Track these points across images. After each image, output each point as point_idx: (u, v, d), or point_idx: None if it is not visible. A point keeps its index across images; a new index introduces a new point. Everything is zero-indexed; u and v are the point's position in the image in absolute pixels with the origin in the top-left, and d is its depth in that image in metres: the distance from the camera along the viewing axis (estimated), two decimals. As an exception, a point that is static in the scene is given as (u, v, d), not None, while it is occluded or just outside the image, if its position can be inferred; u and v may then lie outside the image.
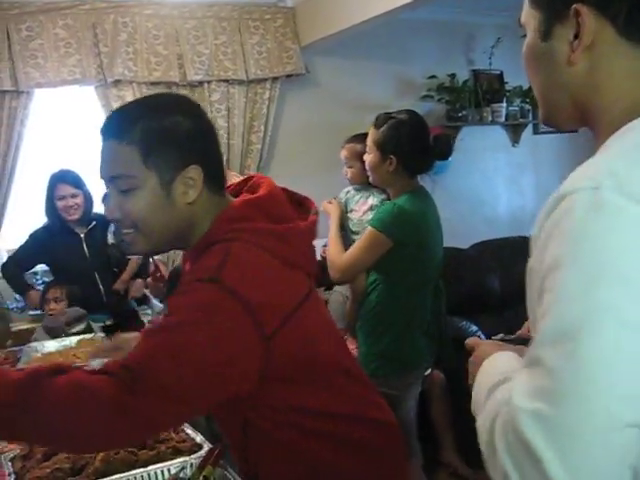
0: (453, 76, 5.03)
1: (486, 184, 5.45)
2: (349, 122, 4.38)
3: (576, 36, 1.00)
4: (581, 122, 1.07)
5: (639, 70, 0.99)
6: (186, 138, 1.39)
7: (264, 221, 1.41)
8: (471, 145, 5.23)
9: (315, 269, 1.53)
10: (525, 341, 1.23)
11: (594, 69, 1.00)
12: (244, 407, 1.42)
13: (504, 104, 5.13)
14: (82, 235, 3.80)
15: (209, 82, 4.25)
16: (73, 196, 3.74)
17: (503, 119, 5.17)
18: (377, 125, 2.81)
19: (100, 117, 4.06)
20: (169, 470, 1.63)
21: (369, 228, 2.72)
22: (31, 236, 3.81)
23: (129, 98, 4.04)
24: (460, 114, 5.01)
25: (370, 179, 2.90)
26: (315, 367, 1.43)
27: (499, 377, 0.99)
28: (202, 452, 1.66)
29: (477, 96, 5.09)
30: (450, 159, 4.67)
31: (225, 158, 4.33)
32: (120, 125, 1.39)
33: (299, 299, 1.39)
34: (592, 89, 1.01)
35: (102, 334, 3.15)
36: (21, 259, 3.81)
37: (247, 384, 1.34)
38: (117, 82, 4.00)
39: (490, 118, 5.12)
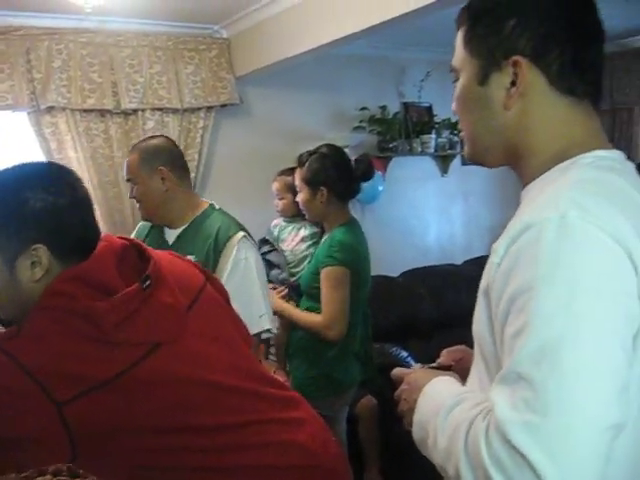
0: (384, 108, 5.16)
1: (416, 213, 5.58)
2: (283, 152, 4.46)
3: (513, 83, 1.11)
4: (506, 161, 1.19)
5: (566, 117, 1.11)
6: (31, 216, 1.37)
7: (83, 294, 1.35)
8: (401, 175, 5.37)
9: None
10: (447, 369, 1.32)
11: (526, 114, 1.12)
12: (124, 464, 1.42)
13: (433, 135, 5.29)
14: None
15: (143, 110, 4.26)
16: None
17: (432, 150, 5.33)
18: (301, 163, 3.00)
19: (33, 143, 4.04)
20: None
21: (325, 270, 2.79)
22: None
23: (62, 125, 4.03)
24: (391, 145, 5.14)
25: (307, 217, 3.04)
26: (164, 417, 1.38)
27: (453, 399, 1.06)
28: None
29: (407, 128, 5.23)
30: (380, 188, 4.81)
31: (159, 186, 4.32)
32: None
33: (111, 374, 1.32)
34: (524, 132, 1.12)
35: None
36: None
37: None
38: (50, 109, 3.97)
39: (420, 149, 5.27)
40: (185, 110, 4.39)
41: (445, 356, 1.40)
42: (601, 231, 0.93)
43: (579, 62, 1.11)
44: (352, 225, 2.96)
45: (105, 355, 1.33)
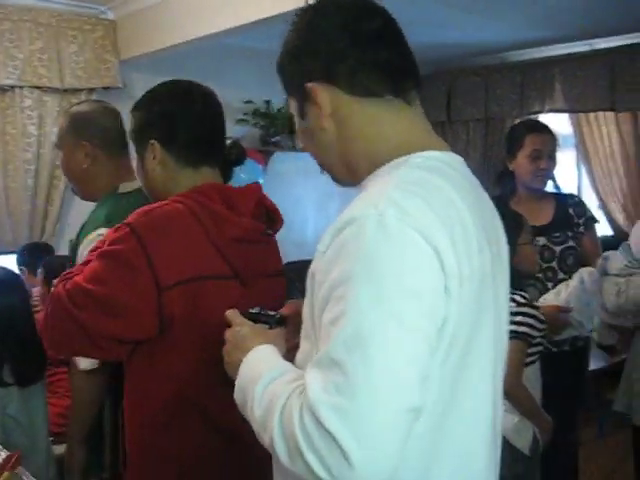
0: (269, 102, 5.21)
1: (295, 208, 5.67)
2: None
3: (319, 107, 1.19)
4: (349, 175, 1.26)
5: (377, 117, 1.20)
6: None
7: (220, 200, 1.64)
8: (283, 170, 5.44)
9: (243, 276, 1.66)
10: (282, 321, 1.39)
11: (341, 129, 1.20)
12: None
13: (315, 132, 5.37)
14: None
15: (21, 87, 4.13)
16: None
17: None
18: None
19: None
20: (-37, 478, 1.62)
21: None
22: None
23: None
24: (274, 139, 5.20)
25: None
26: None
27: (272, 372, 1.13)
28: (-1, 460, 1.67)
29: (291, 123, 5.29)
30: (261, 181, 4.86)
31: (34, 167, 4.21)
32: None
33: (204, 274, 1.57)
34: (345, 146, 1.21)
35: None
36: None
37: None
38: None
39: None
40: (65, 90, 4.29)
41: (287, 307, 1.46)
42: (413, 230, 1.00)
43: (366, 64, 1.18)
44: None
45: (211, 256, 1.59)
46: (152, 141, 1.73)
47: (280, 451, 1.01)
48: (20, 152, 4.15)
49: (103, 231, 1.93)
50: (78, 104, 2.40)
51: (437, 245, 1.01)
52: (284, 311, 1.44)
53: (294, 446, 0.98)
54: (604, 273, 3.04)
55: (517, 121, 4.90)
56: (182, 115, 1.74)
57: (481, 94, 5.65)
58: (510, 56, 5.60)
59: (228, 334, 1.31)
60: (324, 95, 1.19)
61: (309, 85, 1.19)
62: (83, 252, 1.93)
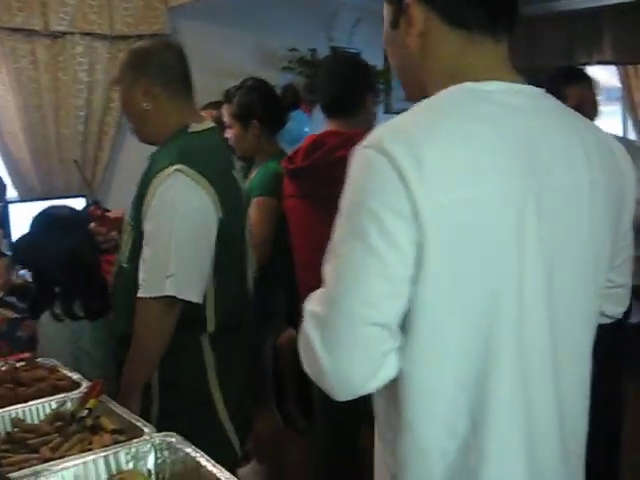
0: (314, 51, 5.19)
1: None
2: (210, 86, 4.39)
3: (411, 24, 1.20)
4: (421, 94, 1.25)
5: (455, 49, 1.19)
6: None
7: None
8: (326, 119, 5.43)
9: None
10: None
11: (425, 51, 1.21)
12: None
13: (359, 82, 5.36)
14: None
15: (72, 34, 4.15)
16: None
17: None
18: (228, 99, 3.02)
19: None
20: (50, 405, 1.70)
21: (256, 199, 2.81)
22: None
23: (-14, 42, 3.90)
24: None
25: (237, 152, 3.03)
26: None
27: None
28: (82, 388, 1.74)
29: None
30: (307, 129, 4.87)
31: (84, 114, 4.26)
32: None
33: None
34: (425, 68, 1.22)
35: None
36: None
37: None
38: (-26, 25, 3.84)
39: (346, 94, 5.33)
40: (115, 37, 4.31)
41: None
42: (382, 155, 1.05)
43: None
44: (284, 156, 3.01)
45: None
46: None
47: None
48: (71, 98, 4.19)
49: (179, 167, 1.91)
50: (144, 40, 2.31)
51: (403, 170, 1.03)
52: None
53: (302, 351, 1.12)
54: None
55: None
56: None
57: (525, 45, 5.57)
58: (556, 6, 5.50)
59: None
60: (419, 14, 1.19)
61: (408, 1, 1.19)
62: (157, 188, 1.93)
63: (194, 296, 1.93)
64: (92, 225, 2.62)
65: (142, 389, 1.98)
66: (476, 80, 1.15)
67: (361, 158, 1.09)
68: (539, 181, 1.11)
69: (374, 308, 1.05)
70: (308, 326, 1.09)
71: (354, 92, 2.61)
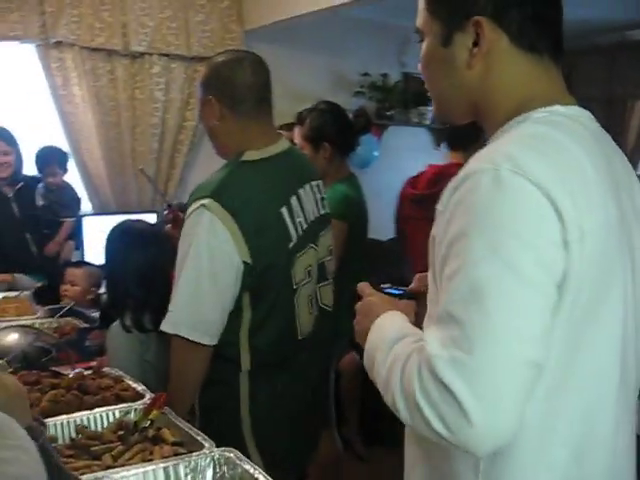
0: (385, 76, 5.21)
1: (405, 183, 5.66)
2: (283, 109, 4.46)
3: (475, 43, 1.13)
4: (471, 118, 1.25)
5: (527, 73, 1.15)
6: None
7: None
8: (395, 144, 5.44)
9: None
10: (412, 295, 1.38)
11: (489, 73, 1.14)
12: None
13: (430, 108, 5.35)
14: (10, 195, 3.74)
15: (150, 54, 4.29)
16: (5, 154, 3.67)
17: (429, 122, 5.40)
18: (301, 121, 3.03)
19: (39, 77, 4.04)
20: (114, 414, 1.73)
21: None
22: None
23: (69, 61, 4.05)
24: (389, 113, 5.20)
25: None
26: None
27: (396, 333, 1.13)
28: (146, 399, 1.77)
29: (406, 98, 5.29)
30: (376, 154, 4.89)
31: (159, 131, 4.37)
32: None
33: None
34: (487, 90, 1.16)
35: (27, 293, 3.17)
36: None
37: None
38: (59, 44, 3.99)
39: (416, 120, 5.34)
40: (192, 58, 4.42)
41: (416, 281, 1.44)
42: (529, 183, 0.98)
43: (539, 18, 1.13)
44: (354, 179, 3.04)
45: None
46: None
47: (401, 408, 1.01)
48: (147, 116, 4.32)
49: (207, 202, 1.80)
50: (220, 53, 2.09)
51: (554, 197, 0.98)
52: (414, 285, 1.43)
53: (412, 402, 0.98)
54: None
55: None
56: None
57: (603, 74, 5.48)
58: (635, 34, 5.39)
59: (358, 305, 1.31)
60: (489, 34, 1.12)
61: (478, 18, 1.12)
62: (186, 220, 1.86)
63: (194, 335, 1.83)
64: (167, 227, 2.65)
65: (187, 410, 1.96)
66: (550, 105, 1.12)
67: (497, 183, 0.99)
68: (624, 204, 1.12)
69: (535, 345, 0.96)
70: (445, 374, 0.94)
71: (475, 124, 2.61)
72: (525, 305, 0.96)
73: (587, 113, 1.18)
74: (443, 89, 1.22)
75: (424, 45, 1.22)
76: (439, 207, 1.09)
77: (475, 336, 0.94)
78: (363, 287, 1.35)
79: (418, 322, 1.26)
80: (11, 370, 0.89)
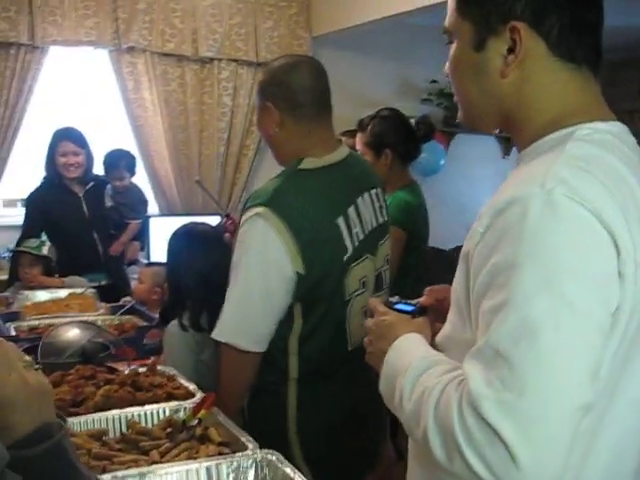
0: (454, 83, 5.16)
1: (471, 191, 5.59)
2: (348, 115, 4.49)
3: (510, 50, 1.05)
4: (500, 127, 1.17)
5: (565, 84, 1.06)
6: None
7: None
8: (463, 152, 5.38)
9: None
10: (424, 311, 1.28)
11: (525, 82, 1.06)
12: None
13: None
14: (81, 195, 3.81)
15: (219, 60, 4.37)
16: (75, 154, 3.73)
17: (497, 130, 5.31)
18: (362, 128, 3.02)
19: (110, 81, 4.16)
20: (164, 411, 1.75)
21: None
22: (27, 206, 3.77)
23: (140, 66, 4.16)
24: (457, 121, 5.14)
25: None
26: None
27: (422, 361, 1.05)
28: (196, 398, 1.79)
29: (474, 106, 5.23)
30: (442, 162, 4.85)
31: (226, 136, 4.44)
32: None
33: None
34: (520, 100, 1.07)
35: (93, 291, 3.26)
36: (28, 234, 3.68)
37: None
38: (131, 49, 4.10)
39: (484, 128, 5.27)
40: (259, 64, 4.47)
41: (428, 295, 1.34)
42: (586, 210, 0.91)
43: (578, 25, 1.05)
44: (415, 187, 3.02)
45: None
46: None
47: (435, 447, 0.94)
48: (214, 121, 4.39)
49: (261, 210, 1.76)
50: (280, 57, 2.04)
51: (612, 227, 0.91)
52: (425, 299, 1.34)
53: (452, 441, 0.91)
54: None
55: None
56: None
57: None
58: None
59: (371, 323, 1.24)
60: (527, 40, 1.04)
61: (516, 24, 1.03)
62: (240, 227, 1.83)
63: (243, 343, 1.82)
64: (226, 235, 2.69)
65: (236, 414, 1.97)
66: (591, 120, 1.04)
67: (551, 208, 0.91)
68: None
69: (591, 387, 0.89)
70: (491, 415, 0.87)
71: None
72: (582, 344, 0.89)
73: (626, 129, 1.09)
74: (472, 95, 1.13)
75: (453, 47, 1.15)
76: (478, 227, 1.00)
77: (526, 377, 0.87)
78: (375, 304, 1.27)
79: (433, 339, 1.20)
80: (37, 367, 0.91)
